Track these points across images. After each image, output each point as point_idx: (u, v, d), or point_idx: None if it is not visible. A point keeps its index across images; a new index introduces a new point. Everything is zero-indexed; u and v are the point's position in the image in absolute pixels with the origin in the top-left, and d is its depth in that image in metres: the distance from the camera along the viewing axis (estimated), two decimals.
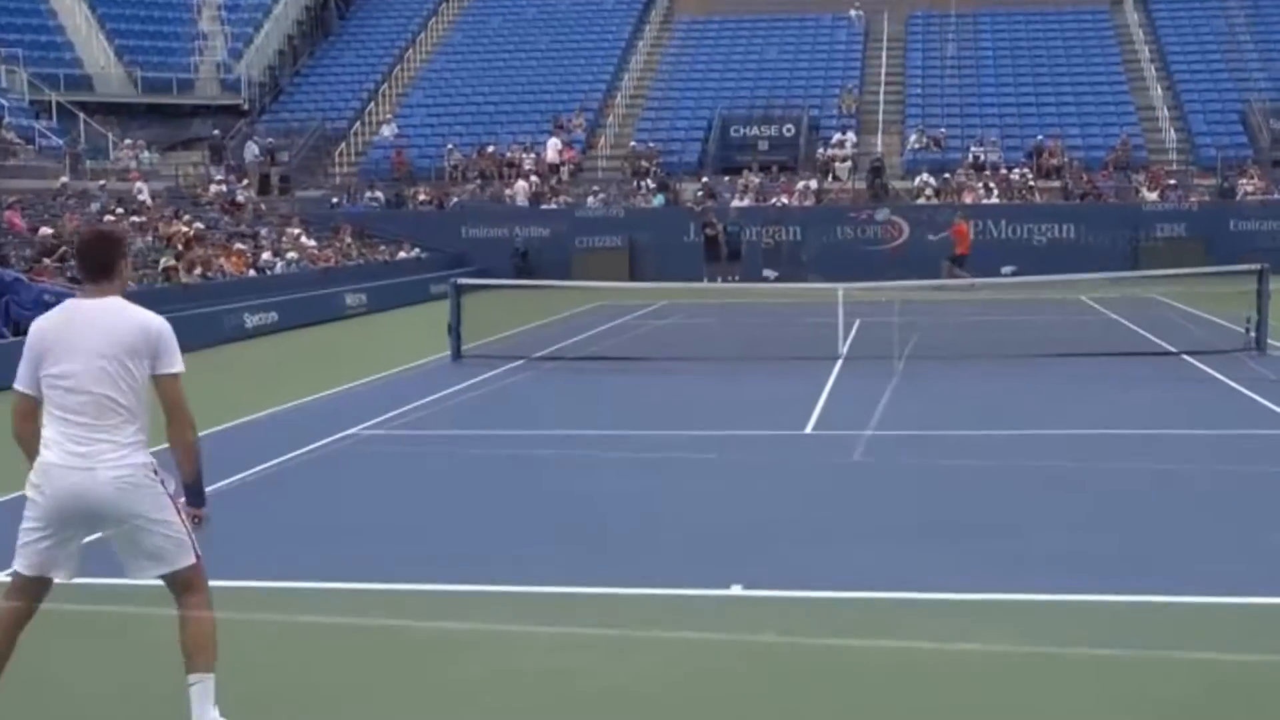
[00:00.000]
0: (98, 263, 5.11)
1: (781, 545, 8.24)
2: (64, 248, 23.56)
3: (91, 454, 4.94)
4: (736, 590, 7.19)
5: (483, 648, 6.38)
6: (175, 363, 5.06)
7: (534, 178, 37.19)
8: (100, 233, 5.52)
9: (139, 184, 31.41)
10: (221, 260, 26.44)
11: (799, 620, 6.80)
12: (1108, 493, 9.59)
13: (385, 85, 43.17)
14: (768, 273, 32.30)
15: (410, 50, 45.19)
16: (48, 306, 23.41)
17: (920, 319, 22.85)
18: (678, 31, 45.15)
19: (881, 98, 40.33)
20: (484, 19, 46.99)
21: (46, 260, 22.29)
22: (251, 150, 38.33)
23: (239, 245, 28.35)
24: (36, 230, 24.92)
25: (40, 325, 5.13)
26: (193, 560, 5.10)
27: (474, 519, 9.17)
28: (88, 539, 5.17)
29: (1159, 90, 39.31)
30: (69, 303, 5.21)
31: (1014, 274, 29.63)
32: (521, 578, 7.54)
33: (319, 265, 29.44)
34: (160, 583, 5.17)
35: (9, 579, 5.21)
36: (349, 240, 32.81)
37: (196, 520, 5.16)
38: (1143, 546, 8.06)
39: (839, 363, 16.93)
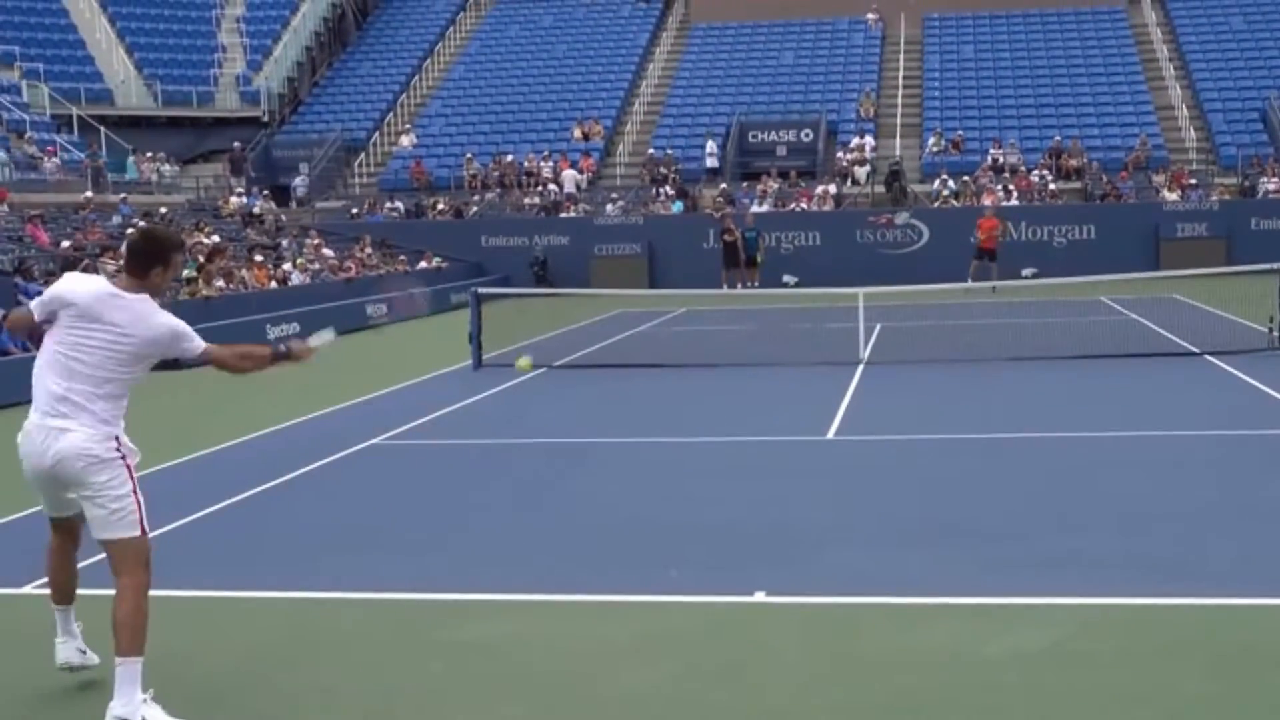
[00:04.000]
0: (137, 259, 5.66)
1: (806, 552, 8.23)
2: (86, 260, 23.70)
3: (65, 422, 5.44)
4: (760, 597, 7.19)
5: (505, 655, 6.38)
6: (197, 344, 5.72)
7: (562, 178, 37.32)
8: (144, 232, 6.01)
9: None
10: (243, 272, 26.55)
11: (823, 627, 6.79)
12: (1134, 495, 9.55)
13: (403, 96, 43.32)
14: (787, 278, 32.28)
15: (428, 61, 45.36)
16: None
17: (941, 322, 22.82)
18: (694, 38, 45.18)
19: (899, 101, 40.29)
20: (501, 29, 47.13)
21: (69, 274, 22.41)
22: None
23: (258, 257, 28.45)
24: (59, 244, 25.06)
25: (73, 284, 5.66)
26: (136, 533, 5.53)
27: (496, 527, 9.18)
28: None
29: (1178, 89, 39.16)
30: (105, 280, 5.68)
31: (1034, 276, 29.55)
32: (544, 585, 7.55)
33: (340, 276, 29.53)
34: None
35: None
36: (369, 251, 32.90)
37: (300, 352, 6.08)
38: (1170, 547, 8.02)
39: (860, 367, 16.91)
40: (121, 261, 6.25)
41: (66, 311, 5.55)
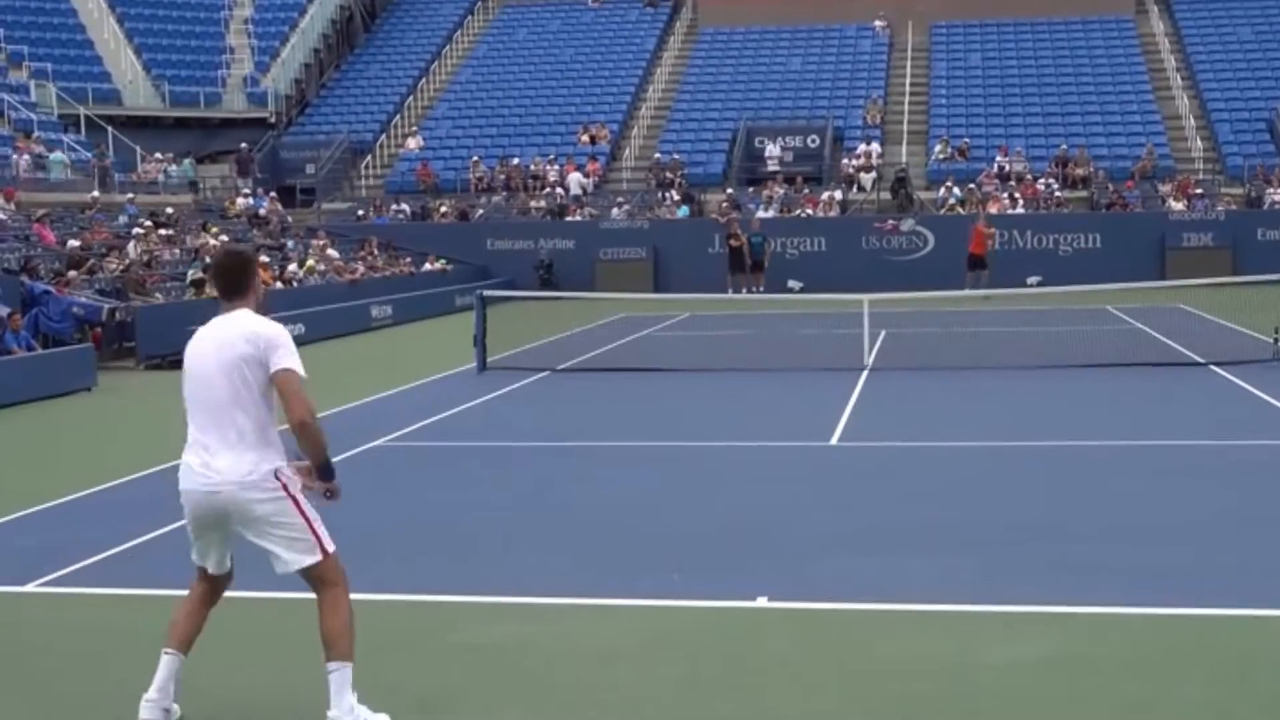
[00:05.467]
0: (227, 281, 5.53)
1: (808, 557, 8.23)
2: (91, 260, 23.75)
3: (215, 460, 5.32)
4: (762, 602, 7.19)
5: (506, 658, 6.39)
6: (286, 360, 5.41)
7: (568, 180, 37.39)
8: (229, 251, 5.86)
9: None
10: None
11: (825, 633, 6.79)
12: (1137, 505, 9.54)
13: (411, 98, 43.35)
14: (793, 283, 32.29)
15: (436, 64, 45.38)
16: (76, 319, 23.54)
17: (946, 329, 22.81)
18: (702, 42, 45.20)
19: (906, 108, 40.27)
20: (509, 32, 47.16)
21: (74, 273, 22.44)
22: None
23: (263, 258, 28.48)
24: (65, 243, 25.11)
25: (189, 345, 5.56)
26: (319, 557, 5.44)
27: (500, 530, 9.19)
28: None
29: (1185, 99, 39.13)
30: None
31: (1040, 284, 29.53)
32: (546, 588, 7.55)
33: (345, 278, 29.55)
34: None
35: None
36: (375, 253, 32.94)
37: (328, 494, 5.57)
38: (1173, 557, 8.02)
39: (865, 373, 16.91)
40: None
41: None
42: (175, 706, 5.48)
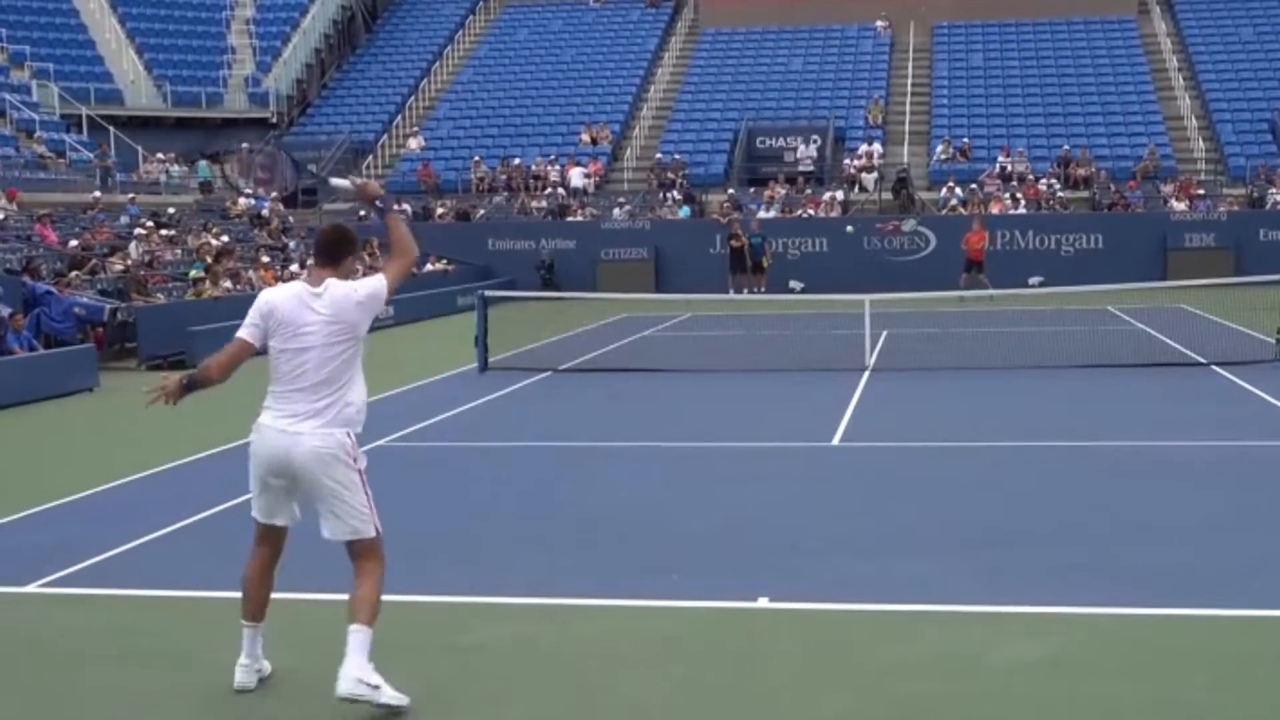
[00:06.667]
0: (324, 250, 5.94)
1: (810, 558, 8.23)
2: (93, 260, 23.75)
3: (299, 424, 5.68)
4: (764, 603, 7.18)
5: (507, 659, 6.39)
6: (379, 292, 5.89)
7: (570, 175, 37.38)
8: (335, 227, 6.21)
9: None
10: (250, 273, 26.58)
11: (826, 634, 6.78)
12: (1138, 505, 9.54)
13: (412, 98, 43.37)
14: (794, 284, 32.28)
15: (437, 64, 45.40)
16: (78, 319, 23.47)
17: (948, 330, 22.81)
18: (703, 43, 45.21)
19: (908, 108, 40.27)
20: (510, 32, 47.18)
21: (76, 273, 22.44)
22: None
23: (265, 258, 28.48)
24: (67, 243, 25.11)
25: (271, 297, 5.90)
26: (372, 534, 5.79)
27: (499, 530, 9.19)
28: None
29: (1187, 100, 39.13)
30: (298, 283, 5.88)
31: (1041, 284, 29.52)
32: (546, 588, 7.55)
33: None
34: None
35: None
36: (376, 253, 32.91)
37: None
38: (1174, 558, 8.01)
39: (866, 374, 16.90)
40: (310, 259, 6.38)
41: (278, 326, 5.78)
42: (265, 664, 5.94)
